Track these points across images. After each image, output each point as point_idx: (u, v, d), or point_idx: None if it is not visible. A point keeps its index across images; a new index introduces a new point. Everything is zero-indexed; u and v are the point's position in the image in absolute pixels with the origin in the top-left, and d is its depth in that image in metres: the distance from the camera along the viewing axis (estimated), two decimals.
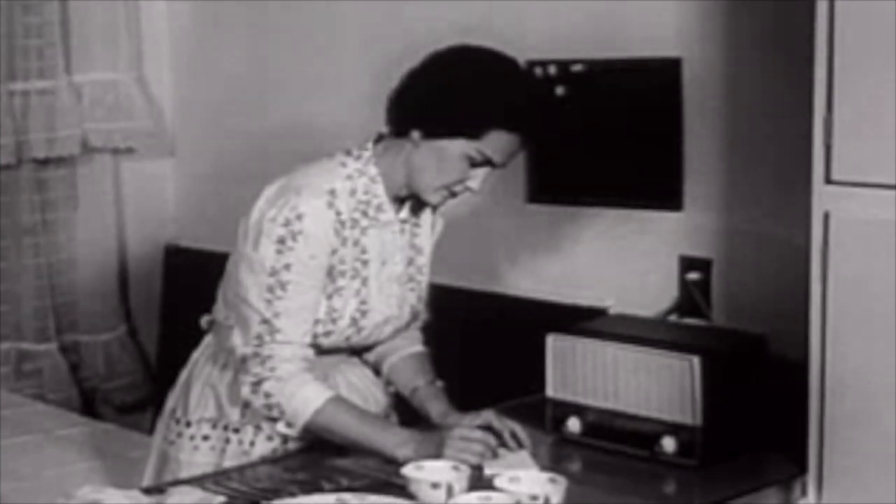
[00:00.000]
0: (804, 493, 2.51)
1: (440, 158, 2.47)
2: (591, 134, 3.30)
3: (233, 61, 4.32)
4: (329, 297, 2.53)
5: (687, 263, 3.13)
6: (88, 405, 4.48)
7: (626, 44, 3.19)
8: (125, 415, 4.49)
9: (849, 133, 2.39)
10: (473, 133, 2.44)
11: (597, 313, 3.17)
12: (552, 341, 2.71)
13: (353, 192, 2.53)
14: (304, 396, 2.47)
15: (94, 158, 4.44)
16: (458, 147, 2.45)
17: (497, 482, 2.27)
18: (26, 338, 4.37)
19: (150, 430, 4.29)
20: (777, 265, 2.93)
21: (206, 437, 2.61)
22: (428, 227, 2.69)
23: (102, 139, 4.38)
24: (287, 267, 2.46)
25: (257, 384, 2.47)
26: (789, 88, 2.80)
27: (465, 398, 2.93)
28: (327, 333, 2.54)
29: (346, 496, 2.25)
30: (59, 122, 4.28)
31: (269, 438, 2.59)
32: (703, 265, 3.10)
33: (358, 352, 2.71)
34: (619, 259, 3.27)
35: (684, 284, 3.13)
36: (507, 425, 2.56)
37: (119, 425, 4.10)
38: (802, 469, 2.51)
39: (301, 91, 4.06)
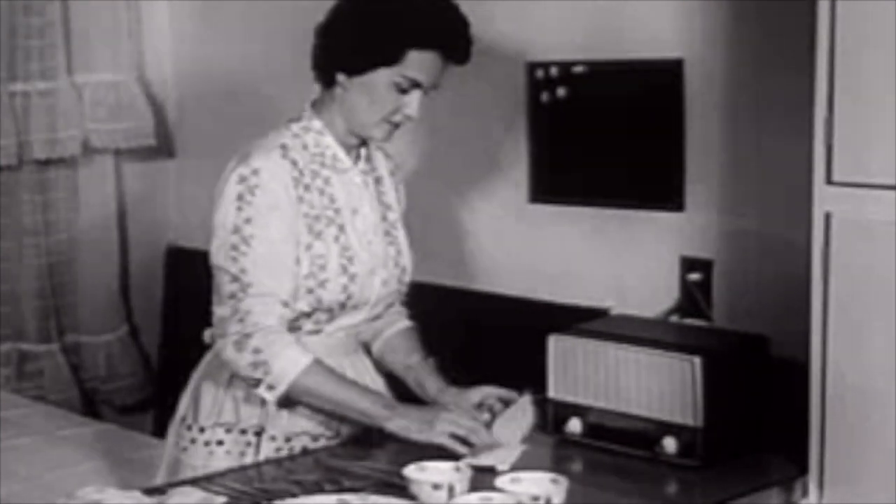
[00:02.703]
0: (805, 493, 2.51)
1: (369, 93, 2.52)
2: (593, 135, 3.30)
3: (234, 62, 4.32)
4: (309, 246, 2.53)
5: (688, 264, 3.13)
6: (89, 406, 4.48)
7: (627, 45, 3.19)
8: (126, 415, 4.50)
9: (850, 134, 2.39)
10: (391, 59, 2.49)
11: (598, 314, 3.17)
12: (553, 342, 2.71)
13: (304, 147, 2.58)
14: (290, 356, 2.46)
15: (96, 159, 4.44)
16: (382, 77, 2.51)
17: (498, 482, 2.27)
18: (27, 339, 4.38)
19: (152, 431, 4.33)
20: (778, 266, 2.93)
21: (220, 442, 2.60)
22: (391, 187, 2.74)
23: (104, 140, 4.38)
24: (248, 220, 2.48)
25: (243, 340, 2.45)
26: (790, 89, 2.80)
27: None
28: (323, 283, 2.54)
29: (348, 497, 2.25)
30: (60, 123, 4.28)
31: (273, 439, 2.59)
32: (704, 266, 3.10)
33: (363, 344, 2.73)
34: (621, 260, 3.27)
35: (685, 285, 3.13)
36: (493, 402, 2.61)
37: (120, 426, 4.10)
38: (803, 469, 2.51)
39: (303, 92, 4.06)
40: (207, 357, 2.68)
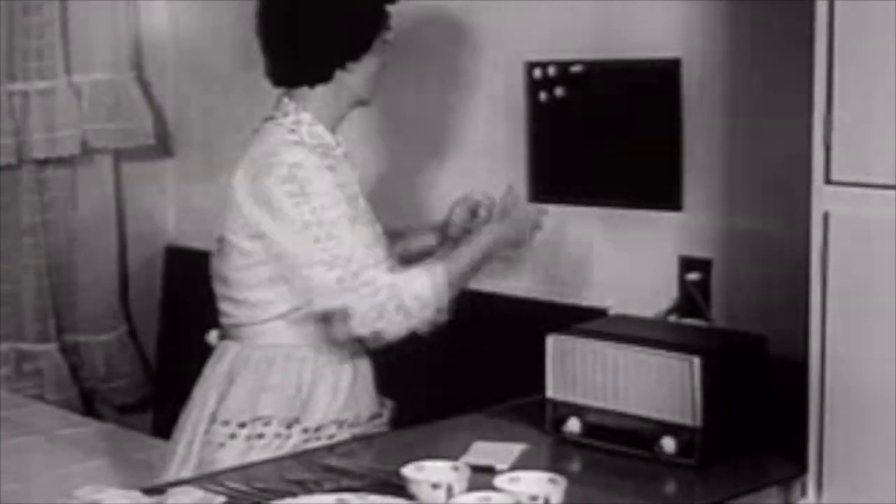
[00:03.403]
0: (804, 493, 2.51)
1: (371, 64, 2.66)
2: (591, 134, 3.30)
3: (233, 62, 4.32)
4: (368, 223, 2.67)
5: (687, 264, 3.13)
6: (88, 405, 4.48)
7: (625, 44, 3.19)
8: (125, 415, 4.49)
9: (848, 133, 2.39)
10: (382, 23, 2.67)
11: (597, 314, 3.17)
12: (552, 342, 2.71)
13: (303, 141, 2.62)
14: (411, 289, 2.56)
15: (94, 159, 4.44)
16: (377, 44, 2.66)
17: (497, 482, 2.27)
18: (26, 338, 4.37)
19: (151, 431, 4.32)
20: (777, 265, 2.93)
21: (260, 436, 2.62)
22: None
23: (102, 140, 4.38)
24: (315, 210, 2.52)
25: (383, 311, 2.53)
26: (789, 88, 2.81)
27: (464, 398, 2.94)
28: (377, 263, 2.62)
29: (347, 496, 2.25)
30: (58, 122, 4.28)
31: (305, 430, 2.63)
32: (702, 265, 3.10)
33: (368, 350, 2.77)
34: (619, 259, 3.27)
35: (684, 285, 3.13)
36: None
37: (119, 425, 4.10)
38: (802, 469, 2.51)
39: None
40: (231, 353, 2.68)
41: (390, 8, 2.68)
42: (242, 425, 2.62)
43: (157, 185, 4.63)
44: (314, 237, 2.52)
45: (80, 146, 4.33)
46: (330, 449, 2.62)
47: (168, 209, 4.64)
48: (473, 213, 2.90)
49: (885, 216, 2.34)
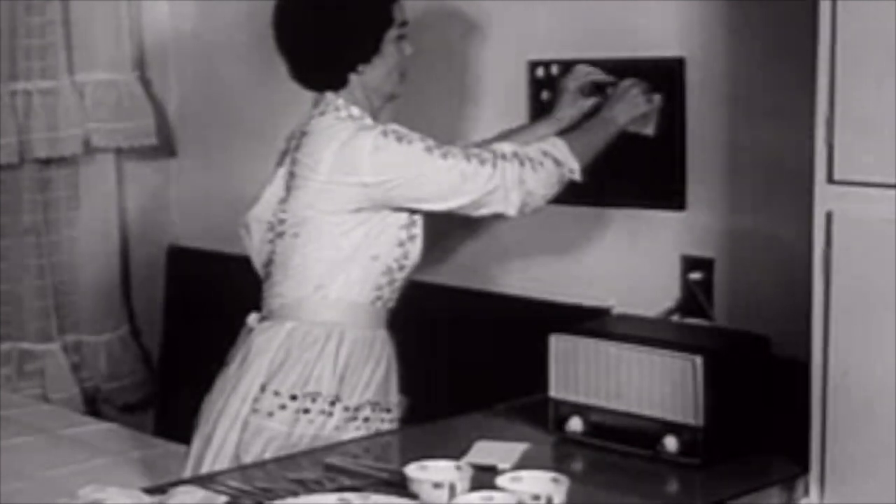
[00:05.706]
0: (806, 492, 2.51)
1: (384, 62, 2.78)
2: None
3: (235, 61, 4.32)
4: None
5: (689, 263, 3.13)
6: (90, 405, 4.48)
7: (628, 43, 3.18)
8: (127, 414, 4.49)
9: (851, 132, 2.39)
10: (389, 19, 2.76)
11: (599, 313, 3.17)
12: (555, 341, 2.71)
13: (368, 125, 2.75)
14: (533, 147, 2.80)
15: (97, 158, 4.44)
16: (390, 38, 2.77)
17: (499, 481, 2.27)
18: (28, 338, 4.37)
19: (153, 430, 4.32)
20: (779, 265, 2.92)
21: (307, 411, 2.69)
22: None
23: (105, 139, 4.38)
24: (423, 139, 2.69)
25: (520, 181, 2.73)
26: (792, 88, 2.80)
27: (466, 398, 2.94)
28: (413, 238, 2.77)
29: (349, 495, 2.25)
30: (61, 121, 4.28)
31: (346, 409, 2.69)
32: (705, 265, 3.10)
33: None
34: (622, 259, 3.27)
35: (686, 284, 3.12)
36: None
37: (121, 425, 4.09)
38: (804, 469, 2.51)
39: (304, 91, 4.06)
40: (284, 329, 2.74)
41: (403, 2, 2.79)
42: (293, 398, 2.70)
43: (160, 185, 4.63)
44: (441, 154, 2.69)
45: (83, 146, 4.33)
46: (331, 447, 2.62)
47: (170, 208, 4.64)
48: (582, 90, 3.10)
49: (887, 215, 2.34)
